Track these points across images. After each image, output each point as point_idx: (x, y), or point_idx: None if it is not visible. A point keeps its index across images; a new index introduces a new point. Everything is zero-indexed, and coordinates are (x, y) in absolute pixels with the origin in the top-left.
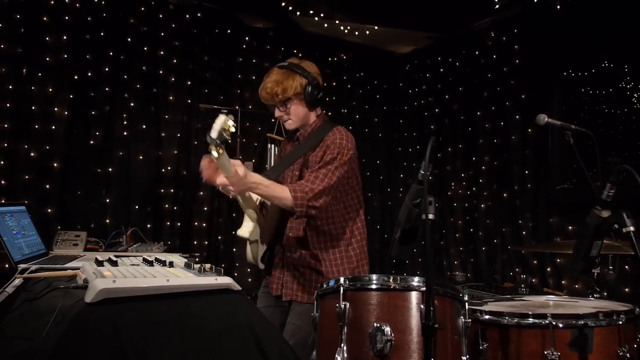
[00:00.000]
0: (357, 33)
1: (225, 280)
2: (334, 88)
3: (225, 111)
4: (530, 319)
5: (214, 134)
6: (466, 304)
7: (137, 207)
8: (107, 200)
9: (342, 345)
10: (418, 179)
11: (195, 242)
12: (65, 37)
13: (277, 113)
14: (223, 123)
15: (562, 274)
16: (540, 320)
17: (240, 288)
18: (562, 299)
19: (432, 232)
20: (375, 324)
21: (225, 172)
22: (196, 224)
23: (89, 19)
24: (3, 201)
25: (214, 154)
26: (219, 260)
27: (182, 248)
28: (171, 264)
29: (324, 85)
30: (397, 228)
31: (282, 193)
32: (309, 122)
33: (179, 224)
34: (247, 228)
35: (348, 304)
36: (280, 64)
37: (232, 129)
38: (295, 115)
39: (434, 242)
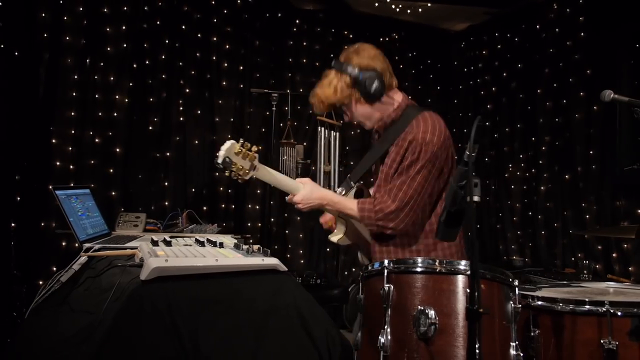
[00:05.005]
0: (409, 11)
1: (272, 261)
2: None
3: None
4: (587, 306)
5: (218, 159)
6: (516, 289)
7: (193, 190)
8: (166, 184)
9: (386, 327)
10: (463, 160)
11: (249, 224)
12: (124, 27)
13: (345, 118)
14: (227, 150)
15: (629, 260)
16: (597, 308)
17: (286, 269)
18: (624, 286)
19: (488, 215)
20: (419, 307)
21: (291, 191)
22: (249, 206)
23: (145, 8)
24: (72, 184)
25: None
26: (271, 242)
27: (237, 230)
28: (221, 245)
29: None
30: (442, 210)
31: (352, 210)
32: (387, 113)
33: (233, 206)
34: (339, 233)
35: (392, 286)
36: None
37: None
38: (362, 116)
39: (490, 226)
